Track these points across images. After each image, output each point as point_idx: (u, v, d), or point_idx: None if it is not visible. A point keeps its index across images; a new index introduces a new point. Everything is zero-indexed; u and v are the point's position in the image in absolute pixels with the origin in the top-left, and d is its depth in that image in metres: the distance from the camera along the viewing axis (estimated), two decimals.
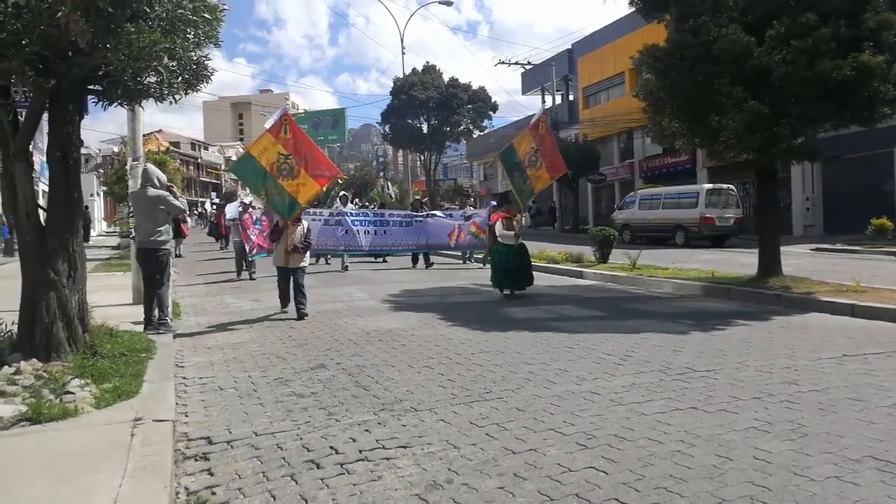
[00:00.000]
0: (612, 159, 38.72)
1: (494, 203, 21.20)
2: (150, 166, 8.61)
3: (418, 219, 17.85)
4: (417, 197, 22.21)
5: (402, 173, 72.12)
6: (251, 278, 14.85)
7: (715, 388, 5.22)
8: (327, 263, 18.37)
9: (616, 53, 34.53)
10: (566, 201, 40.59)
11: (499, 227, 11.12)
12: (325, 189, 10.17)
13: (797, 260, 15.09)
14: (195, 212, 62.53)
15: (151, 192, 7.93)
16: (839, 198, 25.62)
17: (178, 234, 24.42)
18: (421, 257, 17.72)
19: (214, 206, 44.04)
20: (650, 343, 7.01)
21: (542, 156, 11.40)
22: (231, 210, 17.06)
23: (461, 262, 18.55)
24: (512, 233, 11.01)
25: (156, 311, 7.92)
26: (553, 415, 4.64)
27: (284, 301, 9.70)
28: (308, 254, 9.88)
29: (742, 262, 14.71)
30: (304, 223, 9.71)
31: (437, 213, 19.09)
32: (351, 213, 17.19)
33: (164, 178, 8.32)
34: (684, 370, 5.80)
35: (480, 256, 16.56)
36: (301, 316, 9.17)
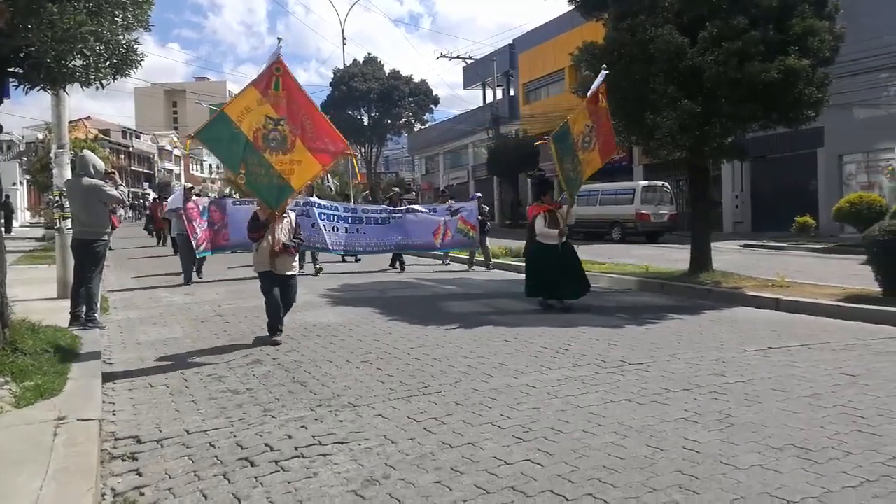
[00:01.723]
0: (551, 155, 39.22)
1: (479, 194, 19.79)
2: (88, 153, 8.22)
3: (397, 215, 14.83)
4: (396, 189, 18.79)
5: (342, 165, 71.35)
6: (199, 279, 12.95)
7: (647, 380, 5.36)
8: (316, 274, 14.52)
9: (556, 50, 34.98)
10: (506, 196, 40.98)
11: (539, 224, 9.12)
12: (327, 171, 8.49)
13: (727, 256, 15.63)
14: (133, 202, 59.52)
15: (86, 181, 7.60)
16: (766, 196, 26.70)
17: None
18: (391, 258, 15.30)
19: (150, 199, 42.33)
20: (586, 337, 7.15)
21: (596, 135, 9.27)
22: (174, 199, 14.16)
23: (439, 262, 16.49)
24: (555, 231, 9.04)
25: (83, 306, 7.60)
26: (490, 408, 4.67)
27: (275, 318, 7.05)
28: (297, 258, 7.59)
29: (675, 257, 15.15)
30: (292, 215, 7.36)
31: (420, 207, 15.94)
32: (319, 205, 14.13)
33: (101, 165, 7.97)
34: (619, 363, 5.94)
35: (466, 257, 15.44)
36: (273, 335, 7.03)
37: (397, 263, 15.08)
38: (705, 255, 11.61)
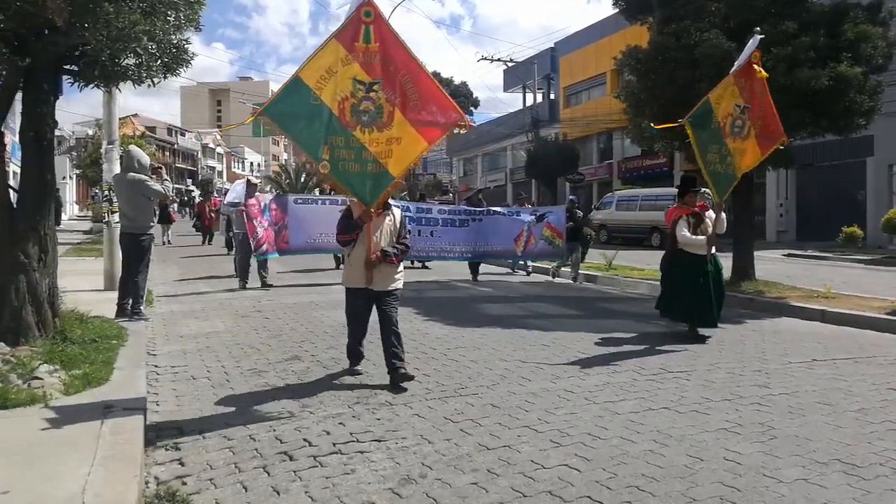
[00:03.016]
0: (591, 159, 38.95)
1: (573, 197, 16.00)
2: (133, 149, 8.42)
3: (477, 216, 12.88)
4: (476, 188, 16.51)
5: None
6: (265, 286, 11.23)
7: (687, 388, 5.28)
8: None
9: (598, 54, 34.72)
10: (544, 200, 40.78)
11: (682, 229, 7.42)
12: (433, 145, 5.68)
13: (770, 265, 15.31)
14: (181, 199, 59.14)
15: (131, 176, 7.79)
16: (812, 205, 26.05)
17: (166, 220, 23.78)
18: (472, 270, 13.40)
19: (195, 196, 42.28)
20: (625, 343, 7.08)
21: (751, 117, 7.41)
22: (234, 192, 12.30)
23: (508, 270, 14.88)
24: (702, 239, 7.35)
25: (129, 298, 7.80)
26: (528, 412, 4.65)
27: (355, 353, 5.71)
28: (400, 269, 5.61)
29: None
30: (396, 212, 5.64)
31: (500, 209, 13.88)
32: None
33: (146, 160, 8.15)
34: (658, 371, 5.86)
35: (552, 266, 13.79)
36: (398, 381, 5.25)
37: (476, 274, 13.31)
38: (748, 264, 11.38)
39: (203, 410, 4.67)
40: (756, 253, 11.93)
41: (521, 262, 14.33)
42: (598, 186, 37.97)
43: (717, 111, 7.19)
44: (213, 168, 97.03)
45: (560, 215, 13.12)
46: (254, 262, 11.42)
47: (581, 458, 3.79)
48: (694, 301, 7.26)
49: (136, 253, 7.86)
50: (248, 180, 12.28)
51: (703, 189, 7.80)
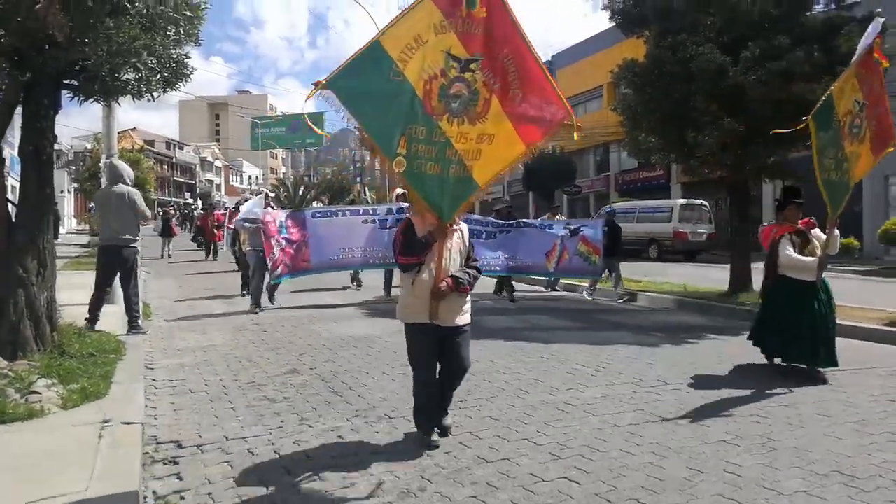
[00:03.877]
0: (588, 172, 39.07)
1: (611, 209, 14.74)
2: (117, 162, 8.38)
3: (505, 229, 11.79)
4: (505, 200, 15.10)
5: (379, 178, 71.96)
6: (270, 302, 10.68)
7: (686, 400, 5.28)
8: (357, 288, 13.06)
9: (595, 67, 34.88)
10: (541, 213, 40.83)
11: (786, 248, 6.30)
12: (531, 151, 4.26)
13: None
14: (183, 212, 57.92)
15: (121, 188, 7.76)
16: (809, 216, 26.05)
17: (167, 234, 23.75)
18: (499, 286, 12.33)
19: (196, 208, 41.64)
20: (623, 355, 7.07)
21: (868, 116, 6.13)
22: (251, 207, 11.09)
23: (544, 288, 13.78)
24: (813, 261, 6.18)
25: (99, 311, 7.68)
26: (527, 424, 4.65)
27: (429, 414, 4.40)
28: (468, 300, 4.44)
29: (714, 276, 14.89)
30: (464, 229, 4.53)
31: (532, 220, 12.96)
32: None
33: (132, 173, 8.16)
34: (657, 383, 5.86)
35: (586, 285, 12.78)
36: (446, 430, 4.46)
37: (505, 291, 12.13)
38: (745, 276, 11.41)
39: (201, 424, 4.65)
40: (754, 265, 11.93)
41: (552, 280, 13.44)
42: (595, 199, 38.05)
43: (839, 107, 5.83)
44: (211, 181, 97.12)
45: (597, 229, 12.15)
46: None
47: (580, 471, 3.79)
48: (800, 336, 6.12)
49: (122, 266, 7.79)
50: (266, 194, 11.32)
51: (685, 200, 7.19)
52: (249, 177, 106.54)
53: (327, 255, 10.64)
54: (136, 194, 7.84)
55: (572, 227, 12.24)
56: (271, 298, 10.80)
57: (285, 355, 6.98)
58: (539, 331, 8.65)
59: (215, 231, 21.47)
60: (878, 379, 6.09)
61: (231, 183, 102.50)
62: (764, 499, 3.42)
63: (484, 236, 11.58)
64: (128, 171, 8.04)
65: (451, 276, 4.15)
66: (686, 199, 25.60)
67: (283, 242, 10.17)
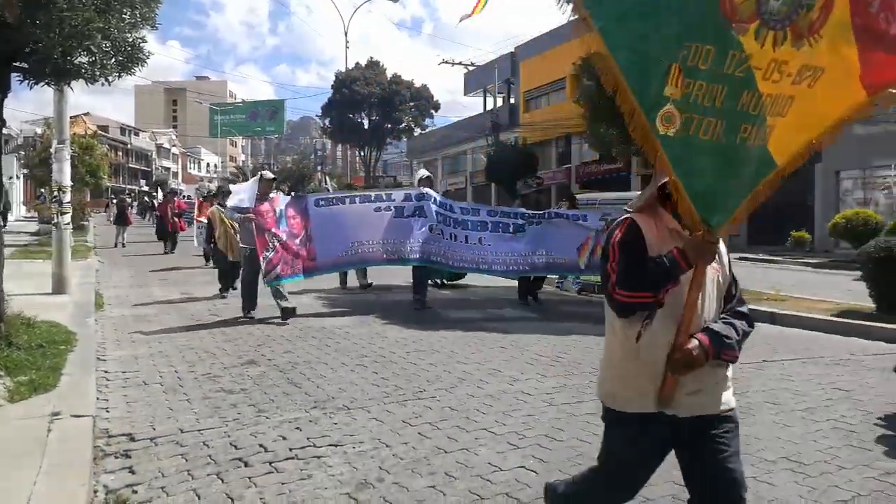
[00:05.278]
0: (550, 163, 39.35)
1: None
2: None
3: (535, 220, 10.20)
4: (533, 184, 13.22)
5: (341, 168, 71.54)
6: (285, 316, 8.38)
7: None
8: (367, 288, 11.58)
9: (558, 58, 35.05)
10: (504, 204, 41.04)
11: None
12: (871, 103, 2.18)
13: None
14: (142, 200, 54.29)
15: None
16: (763, 210, 26.31)
17: (122, 222, 23.09)
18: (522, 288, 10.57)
19: (155, 196, 38.88)
20: (582, 345, 7.15)
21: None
22: (242, 193, 9.02)
23: (557, 286, 12.25)
24: None
25: None
26: (485, 414, 4.67)
27: None
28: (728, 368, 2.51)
29: None
30: (722, 248, 2.51)
31: (563, 210, 10.89)
32: (435, 200, 9.79)
33: None
34: None
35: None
36: None
37: (528, 295, 10.44)
38: None
39: (155, 417, 4.57)
40: None
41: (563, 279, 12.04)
42: (557, 190, 38.36)
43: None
44: (167, 169, 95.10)
45: None
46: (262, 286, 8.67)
47: (538, 460, 3.83)
48: None
49: None
50: (262, 176, 9.10)
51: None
52: (208, 164, 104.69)
53: (334, 251, 9.10)
54: None
55: (609, 219, 9.79)
56: (280, 304, 8.42)
57: (243, 346, 6.90)
58: (500, 321, 8.70)
59: (176, 220, 20.68)
60: (825, 368, 6.29)
61: (189, 171, 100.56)
62: None
63: (512, 229, 10.05)
64: None
65: (707, 331, 2.32)
66: None
67: (284, 236, 8.54)
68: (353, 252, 9.21)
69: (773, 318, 8.93)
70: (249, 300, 8.63)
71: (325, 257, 8.99)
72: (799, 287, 12.14)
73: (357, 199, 9.59)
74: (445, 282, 12.04)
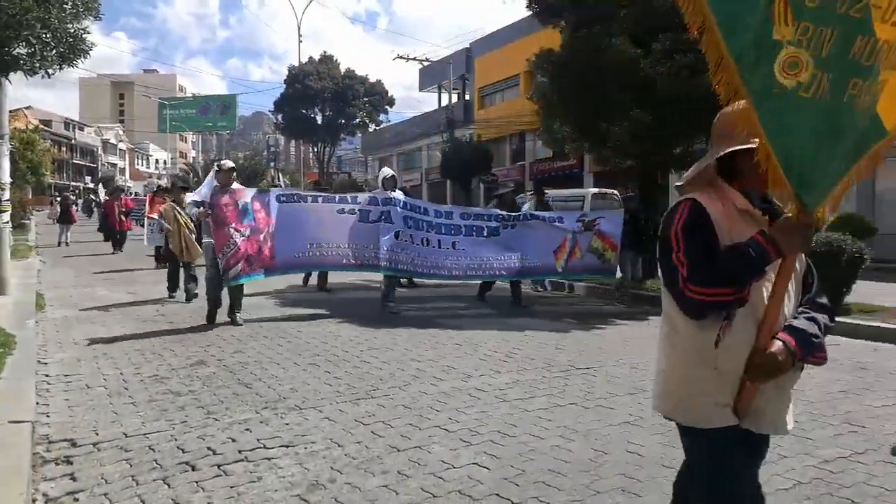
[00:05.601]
0: (504, 160, 39.59)
1: (633, 195, 12.13)
2: None
3: (509, 223, 9.87)
4: (509, 186, 12.45)
5: (294, 164, 70.67)
6: (234, 321, 7.91)
7: (594, 384, 5.44)
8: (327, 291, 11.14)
9: (513, 55, 35.25)
10: (458, 201, 41.16)
11: None
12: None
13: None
14: (86, 198, 52.04)
15: None
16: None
17: (65, 220, 22.27)
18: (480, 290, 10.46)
19: (102, 195, 37.90)
20: (535, 341, 7.21)
21: None
22: (203, 187, 8.60)
23: (536, 288, 11.93)
24: None
25: None
26: (439, 412, 4.66)
27: None
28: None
29: None
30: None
31: (540, 213, 10.69)
32: (404, 204, 9.34)
33: None
34: (566, 367, 6.01)
35: (612, 284, 10.92)
36: None
37: (512, 295, 10.17)
38: (654, 263, 11.86)
39: (98, 421, 4.42)
40: None
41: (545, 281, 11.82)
42: (500, 188, 38.65)
43: None
44: (114, 165, 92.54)
45: (616, 222, 10.30)
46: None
47: (490, 457, 3.83)
48: None
49: None
50: (219, 167, 8.29)
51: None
52: (157, 161, 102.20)
53: (291, 250, 8.69)
54: None
55: (587, 220, 10.32)
56: (233, 313, 8.01)
57: (191, 347, 6.74)
58: (455, 318, 8.71)
59: (123, 219, 19.97)
60: None
61: (136, 167, 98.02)
62: (662, 476, 3.56)
63: (486, 233, 9.65)
64: None
65: (790, 330, 1.97)
66: (598, 189, 26.36)
67: (248, 231, 8.00)
68: (311, 254, 8.82)
69: None
70: (213, 301, 8.01)
71: (283, 256, 8.59)
72: None
73: (319, 199, 9.22)
74: (406, 282, 11.63)
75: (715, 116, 2.23)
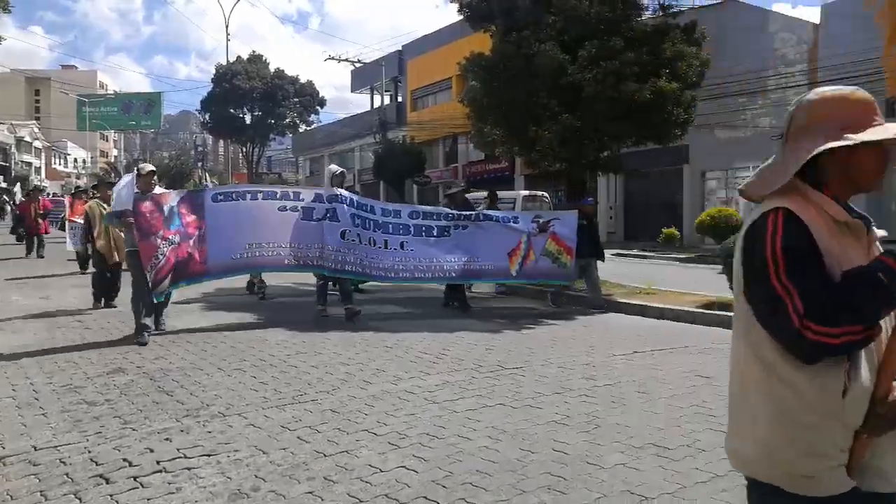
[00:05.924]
0: (437, 162, 39.72)
1: (591, 199, 11.38)
2: None
3: (461, 223, 9.37)
4: (461, 185, 12.14)
5: (222, 164, 68.89)
6: (154, 327, 7.48)
7: (522, 384, 5.50)
8: (261, 297, 10.49)
9: (445, 58, 35.37)
10: (392, 202, 40.97)
11: None
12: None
13: (601, 264, 16.34)
14: None
15: None
16: (638, 208, 28.33)
17: None
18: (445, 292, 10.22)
19: (17, 195, 35.77)
20: (465, 342, 7.24)
21: None
22: (121, 191, 7.82)
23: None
24: None
25: None
26: (367, 415, 4.62)
27: None
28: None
29: None
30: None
31: (493, 213, 10.25)
32: (351, 201, 8.75)
33: None
34: (495, 368, 6.05)
35: (553, 289, 10.41)
36: None
37: (454, 300, 9.99)
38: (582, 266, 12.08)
39: (5, 434, 4.18)
40: None
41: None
42: (444, 188, 38.79)
43: None
44: (29, 164, 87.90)
45: (571, 224, 9.78)
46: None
47: (418, 459, 3.82)
48: None
49: None
50: (138, 171, 7.66)
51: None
52: (76, 160, 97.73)
53: (227, 252, 7.97)
54: None
55: (541, 221, 9.80)
56: (157, 322, 7.62)
57: (109, 354, 6.46)
58: (387, 320, 8.66)
59: (40, 221, 18.83)
60: (691, 356, 6.70)
61: (53, 166, 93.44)
62: (587, 473, 3.63)
63: (435, 233, 9.18)
64: None
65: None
66: (528, 191, 26.73)
67: (177, 239, 7.37)
68: (248, 255, 8.13)
69: (643, 311, 9.42)
70: (140, 314, 7.15)
71: (217, 260, 7.85)
72: (668, 281, 12.87)
73: (259, 196, 8.38)
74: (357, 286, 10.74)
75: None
